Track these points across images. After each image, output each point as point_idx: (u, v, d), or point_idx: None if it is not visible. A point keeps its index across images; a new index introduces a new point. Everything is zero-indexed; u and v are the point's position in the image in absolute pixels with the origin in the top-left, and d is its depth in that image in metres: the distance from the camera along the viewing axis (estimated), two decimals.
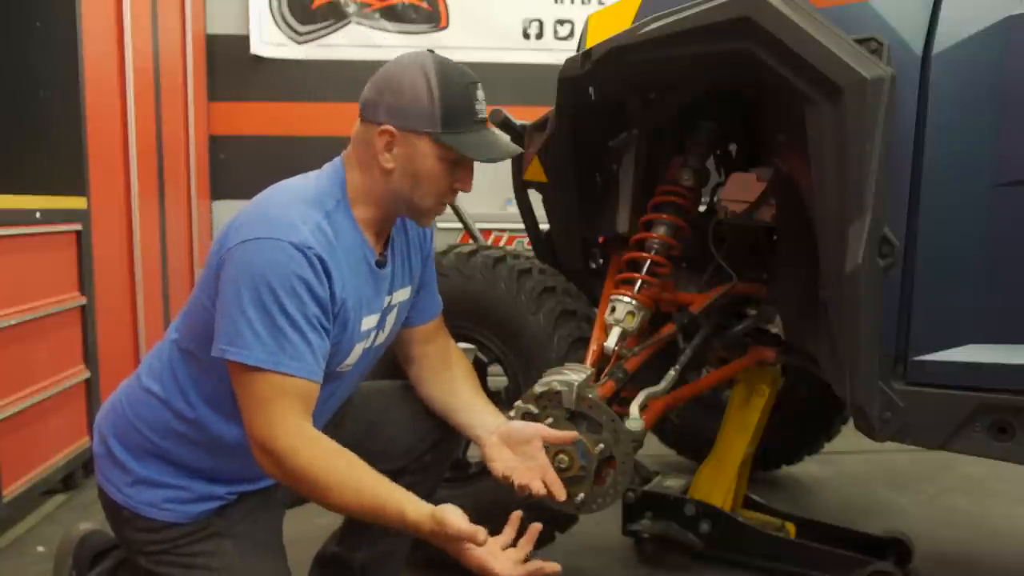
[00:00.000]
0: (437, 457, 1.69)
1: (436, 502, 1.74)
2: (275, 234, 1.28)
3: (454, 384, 1.62)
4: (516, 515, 1.38)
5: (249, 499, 1.47)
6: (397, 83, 1.36)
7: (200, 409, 1.40)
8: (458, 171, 1.41)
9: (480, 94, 1.40)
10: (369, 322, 1.46)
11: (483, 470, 2.05)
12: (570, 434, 1.57)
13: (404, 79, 1.36)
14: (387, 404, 1.66)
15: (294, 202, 1.34)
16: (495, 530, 1.99)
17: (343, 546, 1.69)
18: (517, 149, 1.49)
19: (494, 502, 1.99)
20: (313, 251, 1.29)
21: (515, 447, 1.53)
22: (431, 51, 1.41)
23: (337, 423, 1.56)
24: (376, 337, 1.51)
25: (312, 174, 1.45)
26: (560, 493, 1.53)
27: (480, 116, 1.40)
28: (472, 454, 2.13)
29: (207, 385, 1.39)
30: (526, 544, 1.35)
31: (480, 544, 1.26)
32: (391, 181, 1.39)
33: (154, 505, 1.40)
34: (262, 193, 1.39)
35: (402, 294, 1.55)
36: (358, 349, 1.45)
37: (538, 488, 1.51)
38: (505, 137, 1.47)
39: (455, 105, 1.36)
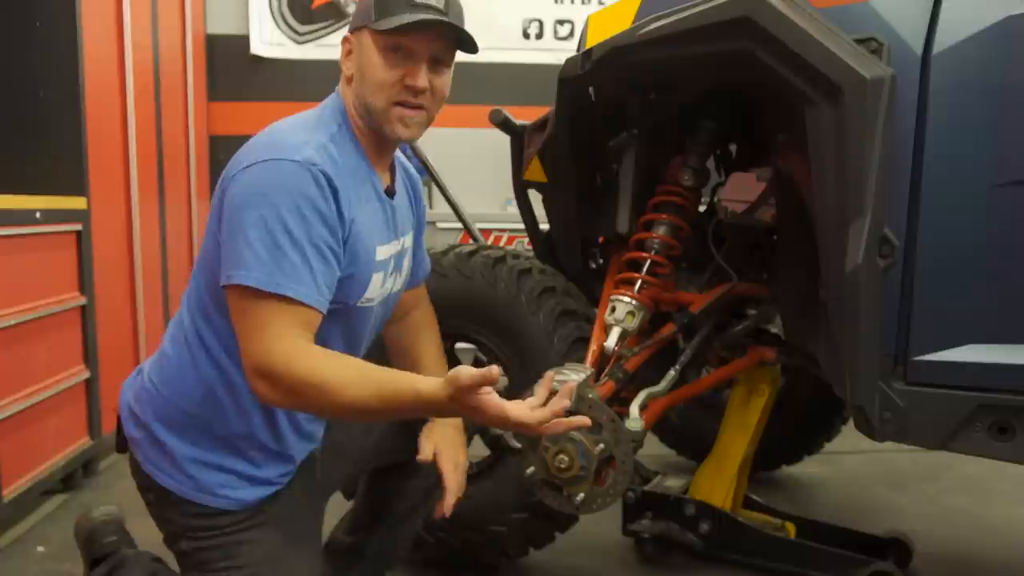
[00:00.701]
0: None
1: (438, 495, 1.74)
2: (278, 155, 1.25)
3: (420, 347, 1.65)
4: (549, 376, 1.31)
5: (296, 487, 1.46)
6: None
7: (225, 362, 1.36)
8: (405, 63, 1.34)
9: None
10: (384, 252, 1.42)
11: (483, 470, 2.06)
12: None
13: None
14: None
15: (296, 128, 1.33)
16: (496, 530, 2.00)
17: (353, 535, 1.70)
18: (434, 16, 1.33)
19: (494, 501, 2.00)
20: (317, 167, 1.25)
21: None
22: None
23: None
24: (395, 279, 1.49)
25: (315, 108, 1.43)
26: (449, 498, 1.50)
27: (418, 1, 1.32)
28: (472, 453, 2.13)
29: (229, 336, 1.33)
30: (553, 399, 1.26)
31: (494, 378, 1.17)
32: (353, 87, 1.39)
33: (209, 491, 1.37)
34: (264, 129, 1.37)
35: (409, 239, 1.54)
36: (377, 281, 1.41)
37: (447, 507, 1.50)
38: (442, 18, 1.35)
39: None
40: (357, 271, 1.35)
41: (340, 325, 1.38)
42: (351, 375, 1.23)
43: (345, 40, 1.40)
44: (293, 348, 1.22)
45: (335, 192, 1.27)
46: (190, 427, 1.39)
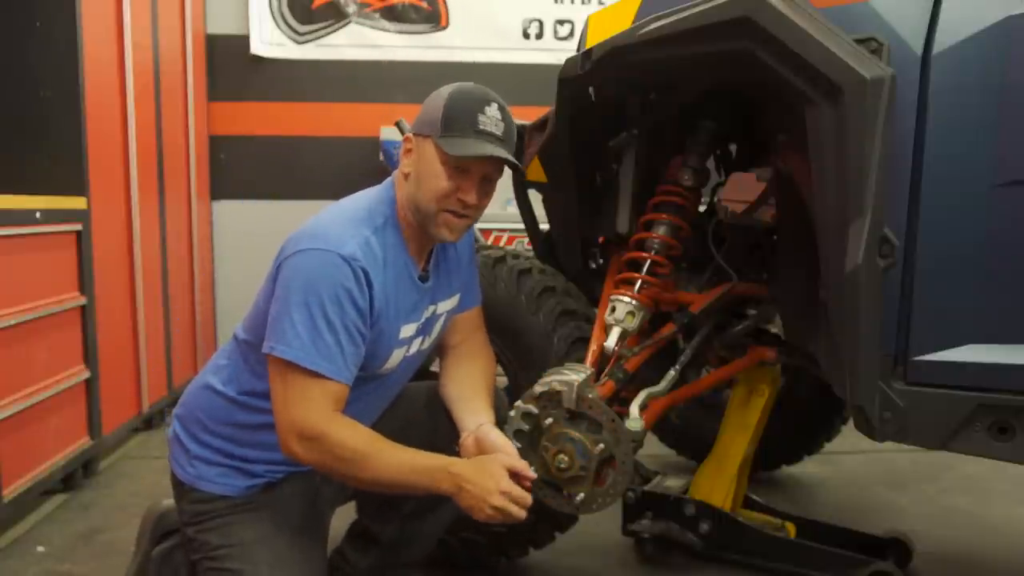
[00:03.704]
0: None
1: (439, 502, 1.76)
2: (326, 246, 1.41)
3: (464, 380, 1.69)
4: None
5: (296, 485, 1.58)
6: (427, 101, 1.52)
7: (251, 398, 1.54)
8: (460, 179, 1.48)
9: (491, 111, 1.48)
10: (408, 330, 1.57)
11: None
12: (527, 470, 1.49)
13: (433, 97, 1.51)
14: (420, 406, 1.74)
15: (346, 220, 1.48)
16: (496, 530, 2.00)
17: (372, 521, 1.78)
18: (497, 152, 1.48)
19: None
20: (358, 263, 1.42)
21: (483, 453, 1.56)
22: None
23: (381, 418, 1.67)
24: (421, 343, 1.63)
25: (370, 190, 1.58)
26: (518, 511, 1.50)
27: (482, 127, 1.47)
28: None
29: (264, 377, 1.49)
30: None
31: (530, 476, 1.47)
32: (408, 185, 1.52)
33: (209, 480, 1.55)
34: (321, 211, 1.52)
35: (448, 304, 1.66)
36: (397, 355, 1.57)
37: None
38: (501, 151, 1.49)
39: (459, 113, 1.47)
40: (379, 348, 1.52)
41: (364, 386, 1.54)
42: (376, 449, 1.42)
43: (407, 139, 1.52)
44: (327, 420, 1.41)
45: (371, 286, 1.44)
46: (203, 443, 1.57)
